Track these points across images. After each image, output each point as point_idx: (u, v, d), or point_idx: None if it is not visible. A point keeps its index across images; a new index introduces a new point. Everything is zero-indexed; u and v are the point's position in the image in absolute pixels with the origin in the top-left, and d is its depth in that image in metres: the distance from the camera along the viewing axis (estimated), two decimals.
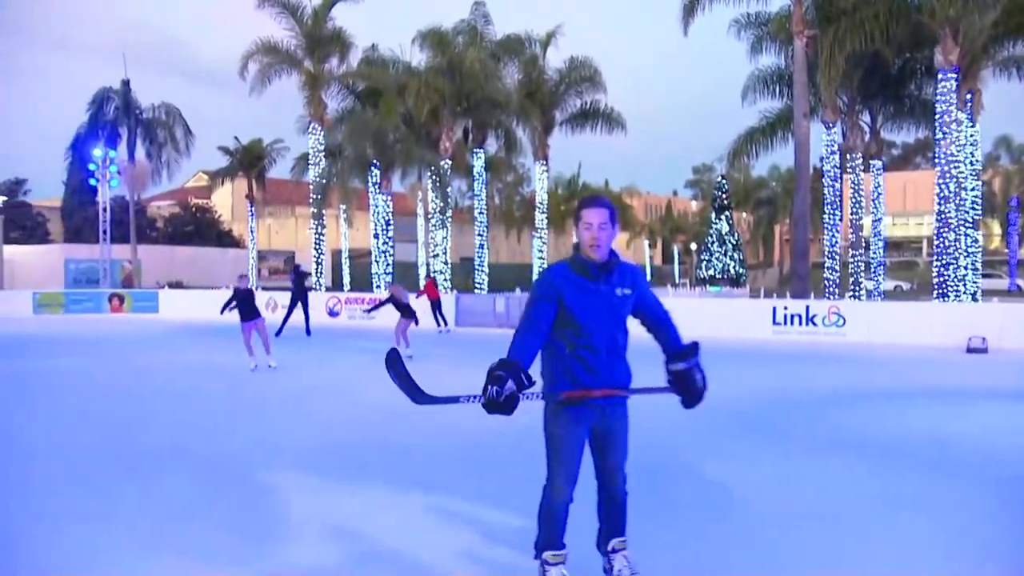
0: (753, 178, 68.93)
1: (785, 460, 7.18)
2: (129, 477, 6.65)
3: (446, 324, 23.80)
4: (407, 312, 16.74)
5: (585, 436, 3.94)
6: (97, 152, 37.23)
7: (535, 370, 3.78)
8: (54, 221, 57.20)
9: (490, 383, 3.71)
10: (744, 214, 75.86)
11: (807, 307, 20.70)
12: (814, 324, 20.23)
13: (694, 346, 3.90)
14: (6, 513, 5.66)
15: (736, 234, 66.12)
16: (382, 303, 17.41)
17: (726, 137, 40.67)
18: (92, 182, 38.70)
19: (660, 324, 4.02)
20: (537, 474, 4.09)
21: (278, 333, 18.84)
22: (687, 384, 3.87)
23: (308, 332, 21.10)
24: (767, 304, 21.53)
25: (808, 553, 4.79)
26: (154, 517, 5.51)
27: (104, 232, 37.77)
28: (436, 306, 23.70)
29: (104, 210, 37.89)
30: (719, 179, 63.13)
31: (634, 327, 3.99)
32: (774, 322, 20.67)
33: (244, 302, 14.24)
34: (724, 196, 64.66)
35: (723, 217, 64.51)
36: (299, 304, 21.69)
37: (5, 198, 46.82)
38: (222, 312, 14.88)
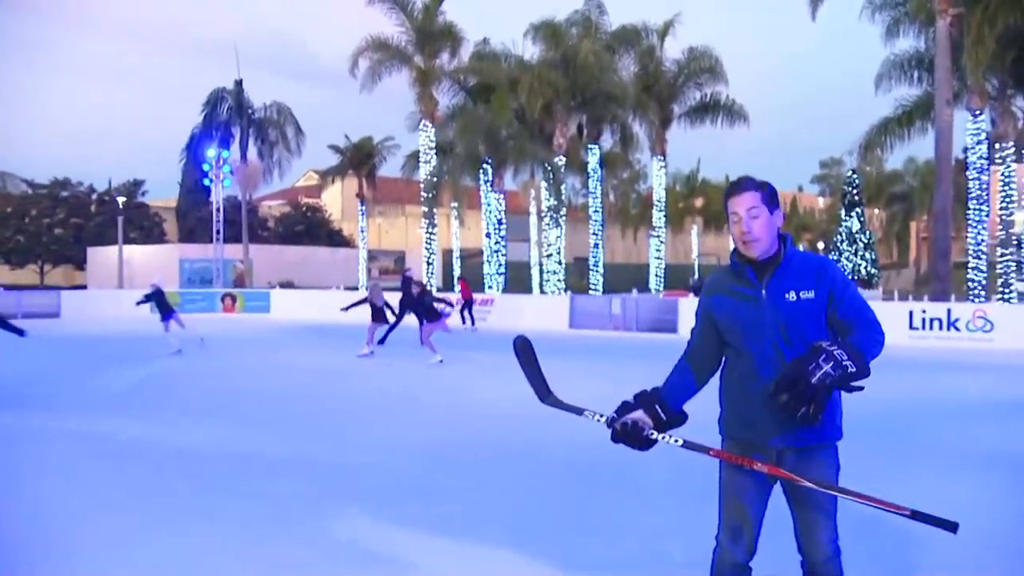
0: (887, 172, 66.59)
1: (925, 478, 6.97)
2: (240, 478, 6.96)
3: (473, 323, 25.31)
4: (378, 315, 17.71)
5: (757, 482, 3.14)
6: (211, 152, 38.93)
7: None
8: (170, 221, 60.00)
9: (618, 408, 3.33)
10: (876, 210, 73.31)
11: (948, 310, 19.95)
12: (956, 329, 19.48)
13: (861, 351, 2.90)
14: (117, 512, 6.01)
15: (868, 232, 63.97)
16: (358, 303, 18.14)
17: (857, 129, 39.44)
18: (206, 182, 40.46)
19: (848, 332, 3.02)
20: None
21: (381, 342, 18.88)
22: (796, 370, 2.84)
23: (382, 341, 19.40)
24: (903, 307, 20.85)
25: None
26: (261, 522, 5.77)
27: (217, 232, 39.42)
28: (467, 305, 25.62)
29: (217, 210, 39.55)
30: (849, 173, 61.14)
31: None
32: (910, 326, 19.99)
33: (420, 303, 16.06)
34: (855, 191, 62.64)
35: (854, 214, 62.50)
36: (408, 312, 20.75)
37: (124, 199, 49.33)
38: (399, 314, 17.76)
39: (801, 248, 3.73)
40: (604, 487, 6.63)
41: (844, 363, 2.82)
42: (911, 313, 20.21)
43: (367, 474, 7.09)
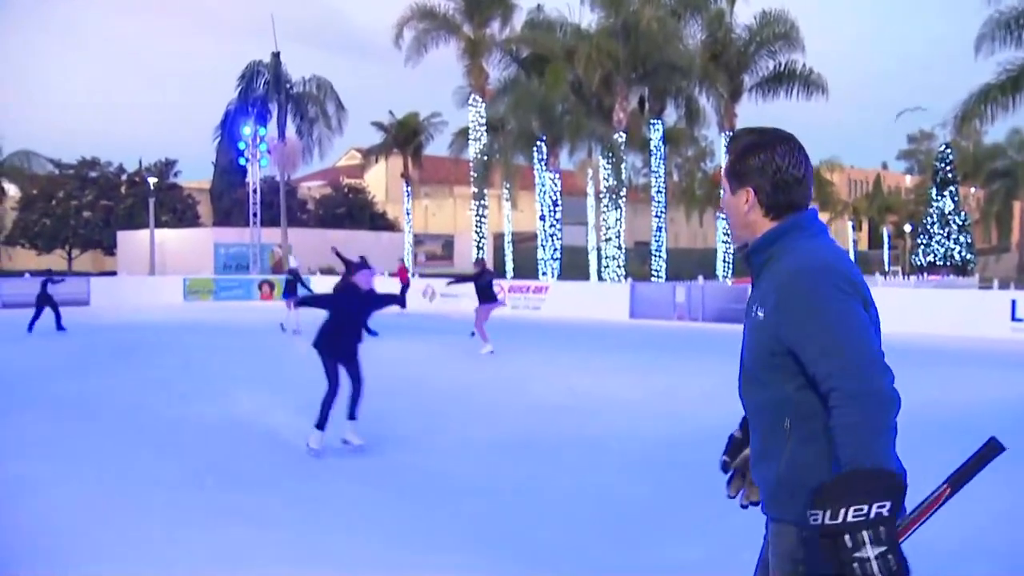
0: (986, 146, 65.04)
1: None
2: (285, 477, 7.00)
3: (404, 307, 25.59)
4: (487, 294, 17.12)
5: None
6: (247, 130, 39.36)
7: None
8: (203, 203, 60.81)
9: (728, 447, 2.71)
10: (973, 189, 71.78)
11: None
12: None
13: (847, 481, 2.07)
14: (151, 507, 6.06)
15: (963, 213, 62.66)
16: (464, 279, 18.81)
17: (951, 99, 38.59)
18: (241, 162, 40.98)
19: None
20: None
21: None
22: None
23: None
24: (1004, 296, 20.32)
25: None
26: (310, 521, 5.78)
27: (254, 215, 39.92)
28: (404, 290, 27.24)
29: (254, 191, 40.05)
30: (942, 148, 59.98)
31: None
32: (1013, 318, 19.46)
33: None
34: (948, 168, 61.39)
35: (946, 193, 61.29)
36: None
37: (156, 180, 50.02)
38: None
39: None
40: (672, 489, 6.54)
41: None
42: (1014, 303, 19.66)
43: (413, 472, 7.08)
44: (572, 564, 5.00)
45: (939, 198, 62.19)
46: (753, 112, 40.37)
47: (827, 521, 2.04)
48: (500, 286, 17.65)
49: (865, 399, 2.09)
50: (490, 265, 24.45)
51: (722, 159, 39.26)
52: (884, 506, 2.01)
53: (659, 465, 7.33)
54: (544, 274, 35.14)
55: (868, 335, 2.18)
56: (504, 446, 8.14)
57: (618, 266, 34.36)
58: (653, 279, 35.50)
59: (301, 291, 20.09)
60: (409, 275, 29.68)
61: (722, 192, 2.53)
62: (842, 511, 2.02)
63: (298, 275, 21.26)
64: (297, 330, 18.94)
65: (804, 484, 2.21)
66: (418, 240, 52.27)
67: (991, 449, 2.15)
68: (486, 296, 16.60)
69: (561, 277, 35.12)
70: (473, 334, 16.54)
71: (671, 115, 38.67)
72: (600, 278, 36.00)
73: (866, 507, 2.00)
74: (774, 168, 2.35)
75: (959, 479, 2.13)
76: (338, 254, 17.49)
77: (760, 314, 2.30)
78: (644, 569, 4.91)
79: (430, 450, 8.01)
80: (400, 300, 16.15)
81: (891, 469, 2.08)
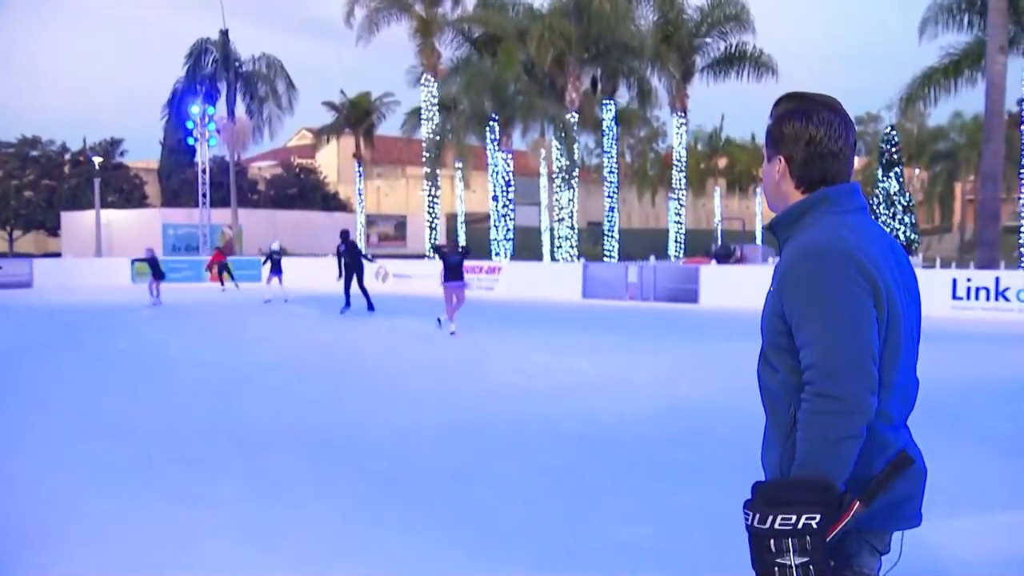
0: (929, 128, 66.10)
1: (970, 460, 6.89)
2: (235, 456, 6.92)
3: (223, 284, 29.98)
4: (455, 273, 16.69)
5: None
6: (195, 109, 38.81)
7: None
8: (151, 184, 59.95)
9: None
10: (917, 171, 72.89)
11: (996, 279, 19.75)
12: (1006, 299, 19.30)
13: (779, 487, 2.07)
14: (103, 492, 5.97)
15: (907, 194, 63.64)
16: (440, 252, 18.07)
17: (895, 81, 39.16)
18: (190, 141, 40.42)
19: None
20: None
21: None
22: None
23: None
24: (945, 275, 20.66)
25: (997, 563, 4.59)
26: (261, 501, 5.73)
27: (203, 195, 39.43)
28: (221, 269, 30.51)
29: (203, 172, 39.55)
30: (887, 130, 60.68)
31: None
32: (954, 296, 19.82)
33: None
34: (893, 150, 62.21)
35: (892, 174, 62.15)
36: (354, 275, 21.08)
37: (101, 159, 49.19)
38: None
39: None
40: (623, 465, 6.57)
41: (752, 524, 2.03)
42: (955, 282, 20.02)
43: (369, 454, 7.04)
44: (525, 543, 5.00)
45: (885, 179, 63.08)
46: (704, 93, 40.62)
47: (755, 524, 2.00)
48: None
49: (830, 403, 2.01)
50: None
51: (674, 140, 39.44)
52: (814, 518, 1.96)
53: (613, 443, 7.36)
54: (497, 254, 35.14)
55: (863, 334, 2.05)
56: (457, 426, 8.12)
57: (571, 246, 34.47)
58: (606, 259, 35.64)
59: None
60: (225, 256, 32.08)
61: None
62: (770, 517, 1.98)
63: (282, 255, 25.22)
64: (286, 299, 23.60)
65: None
66: (370, 220, 52.05)
67: (901, 462, 2.11)
68: (454, 275, 16.28)
69: (514, 257, 35.18)
70: (440, 321, 16.14)
71: (623, 96, 38.87)
72: (553, 258, 36.13)
73: (795, 517, 1.96)
74: (808, 137, 2.22)
75: (871, 493, 2.06)
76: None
77: (772, 289, 2.22)
78: (596, 547, 4.92)
79: (381, 430, 7.96)
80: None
81: (832, 482, 2.01)
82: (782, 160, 2.26)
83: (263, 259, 26.83)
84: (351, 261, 20.37)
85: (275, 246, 25.09)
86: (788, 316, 2.13)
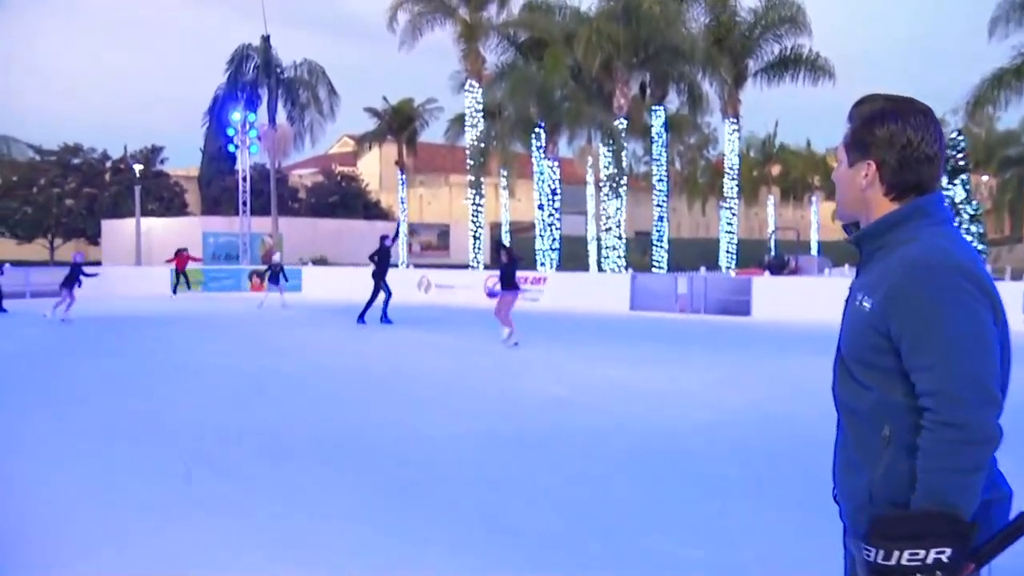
0: (999, 132, 65.01)
1: None
2: (269, 467, 7.00)
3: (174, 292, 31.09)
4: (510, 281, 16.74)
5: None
6: (236, 116, 39.26)
7: None
8: (191, 192, 60.79)
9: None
10: (985, 177, 71.75)
11: None
12: None
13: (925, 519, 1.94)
14: (140, 501, 6.07)
15: (974, 202, 62.66)
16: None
17: (962, 83, 38.60)
18: (231, 149, 40.87)
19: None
20: None
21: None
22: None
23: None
24: (1016, 287, 20.32)
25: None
26: (295, 512, 5.79)
27: (244, 203, 39.86)
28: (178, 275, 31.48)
29: (243, 179, 39.98)
30: (953, 135, 59.86)
31: None
32: None
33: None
34: (959, 156, 61.21)
35: (958, 182, 61.09)
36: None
37: (141, 167, 49.91)
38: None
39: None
40: (670, 482, 6.55)
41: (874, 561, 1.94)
42: None
43: (404, 465, 7.09)
44: (565, 558, 4.99)
45: (950, 187, 62.05)
46: (757, 99, 40.33)
47: (879, 560, 1.92)
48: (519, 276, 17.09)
49: (958, 431, 1.93)
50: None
51: (725, 147, 39.20)
52: (944, 552, 1.88)
53: (658, 459, 7.33)
54: (542, 264, 35.16)
55: (988, 353, 1.99)
56: (498, 437, 8.15)
57: (618, 256, 34.34)
58: (654, 270, 35.51)
59: (281, 281, 26.90)
60: (187, 264, 32.53)
61: (837, 163, 2.30)
62: (896, 553, 1.90)
63: (282, 268, 27.45)
64: (285, 304, 25.72)
65: (896, 502, 2.04)
66: (413, 229, 52.27)
67: (1021, 528, 1.97)
68: (509, 283, 16.39)
69: (560, 268, 35.16)
70: (513, 338, 15.86)
71: (673, 101, 38.67)
72: (600, 269, 36.01)
73: (923, 552, 1.88)
74: (904, 141, 2.11)
75: (985, 555, 1.97)
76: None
77: (865, 304, 2.09)
78: (640, 567, 4.91)
79: (418, 441, 8.01)
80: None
81: (962, 515, 1.92)
82: (872, 165, 2.16)
83: (265, 269, 29.65)
84: (380, 267, 20.24)
85: (276, 258, 28.31)
86: (896, 335, 2.02)
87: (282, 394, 10.86)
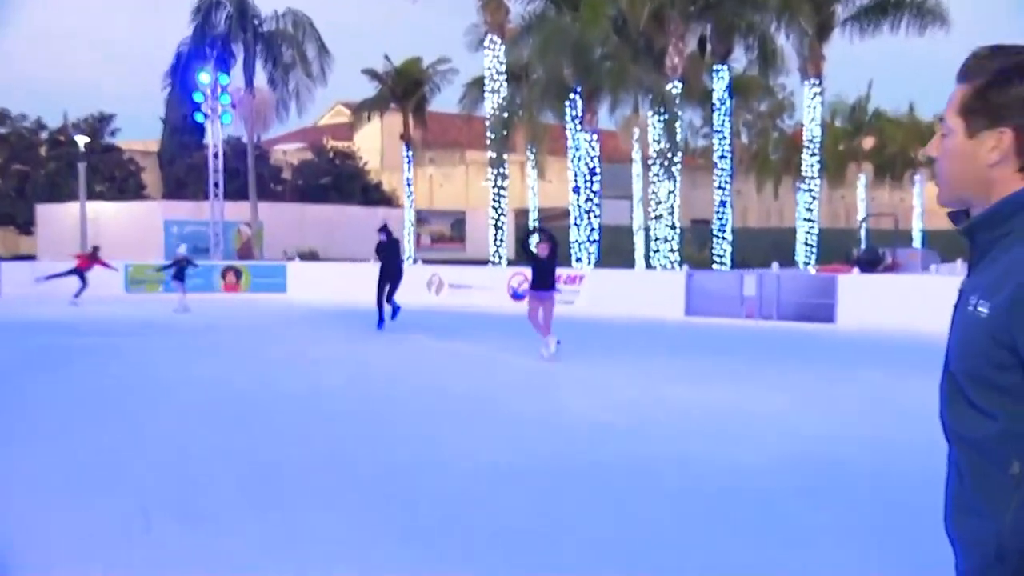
0: None
1: None
2: (251, 498, 7.01)
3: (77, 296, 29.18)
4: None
5: None
6: (204, 78, 39.26)
7: None
8: (150, 170, 60.85)
9: None
10: None
11: None
12: None
13: None
14: (99, 556, 6.09)
15: None
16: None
17: None
18: (198, 118, 40.93)
19: None
20: None
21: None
22: None
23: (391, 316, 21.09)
24: None
25: None
26: (283, 542, 5.80)
27: (215, 185, 39.97)
28: (80, 273, 29.69)
29: (214, 156, 40.07)
30: None
31: None
32: None
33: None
34: None
35: None
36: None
37: (87, 139, 49.60)
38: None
39: None
40: (737, 528, 6.52)
41: None
42: None
43: (422, 504, 7.08)
44: None
45: None
46: (846, 54, 39.75)
47: None
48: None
49: None
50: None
51: (805, 115, 39.00)
52: None
53: (726, 498, 7.29)
54: (579, 260, 35.15)
55: None
56: (531, 473, 8.13)
57: (671, 250, 34.25)
58: (715, 267, 35.48)
59: (187, 280, 27.31)
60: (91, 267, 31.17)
61: (943, 132, 2.14)
62: None
63: (189, 263, 27.80)
64: (187, 308, 26.00)
65: None
66: (421, 218, 52.22)
67: None
68: (541, 282, 16.14)
69: (599, 264, 35.13)
70: (559, 342, 15.75)
71: (740, 59, 38.59)
72: (648, 265, 35.99)
73: None
74: None
75: None
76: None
77: (982, 309, 1.96)
78: None
79: (437, 475, 8.00)
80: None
81: None
82: (1007, 134, 2.00)
83: (168, 264, 29.09)
84: (388, 263, 20.55)
85: (181, 250, 28.84)
86: (1014, 319, 1.90)
87: (271, 418, 10.88)
